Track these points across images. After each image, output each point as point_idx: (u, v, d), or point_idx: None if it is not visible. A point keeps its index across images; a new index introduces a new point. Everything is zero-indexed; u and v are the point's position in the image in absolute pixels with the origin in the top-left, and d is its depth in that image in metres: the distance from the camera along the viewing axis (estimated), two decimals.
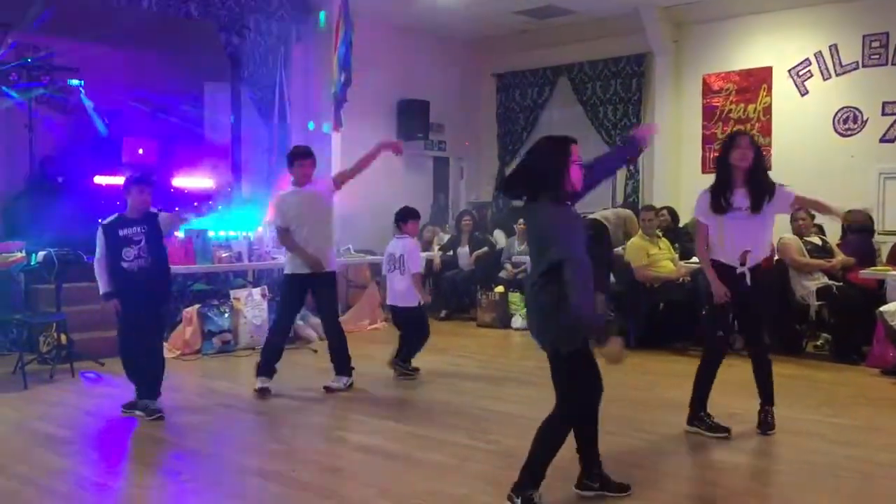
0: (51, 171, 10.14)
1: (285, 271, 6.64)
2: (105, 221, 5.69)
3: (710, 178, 5.14)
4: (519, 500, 3.72)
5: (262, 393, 6.26)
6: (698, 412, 5.13)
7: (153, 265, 5.67)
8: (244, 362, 7.61)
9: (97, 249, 5.67)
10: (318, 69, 10.56)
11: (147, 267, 5.62)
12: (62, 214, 8.70)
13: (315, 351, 8.21)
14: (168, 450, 5.04)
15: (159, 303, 5.89)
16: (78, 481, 4.43)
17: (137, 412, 5.63)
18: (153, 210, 5.78)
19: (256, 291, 8.50)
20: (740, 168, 4.88)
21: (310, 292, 6.67)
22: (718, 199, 4.93)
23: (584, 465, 4.02)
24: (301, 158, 6.45)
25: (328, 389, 6.38)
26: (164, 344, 8.03)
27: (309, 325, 8.90)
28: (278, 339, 6.55)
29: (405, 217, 7.13)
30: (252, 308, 8.34)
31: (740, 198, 4.89)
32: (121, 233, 5.61)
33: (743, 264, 4.94)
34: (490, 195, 12.77)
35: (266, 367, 6.40)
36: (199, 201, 9.80)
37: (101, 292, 5.70)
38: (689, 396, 5.19)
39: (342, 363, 6.51)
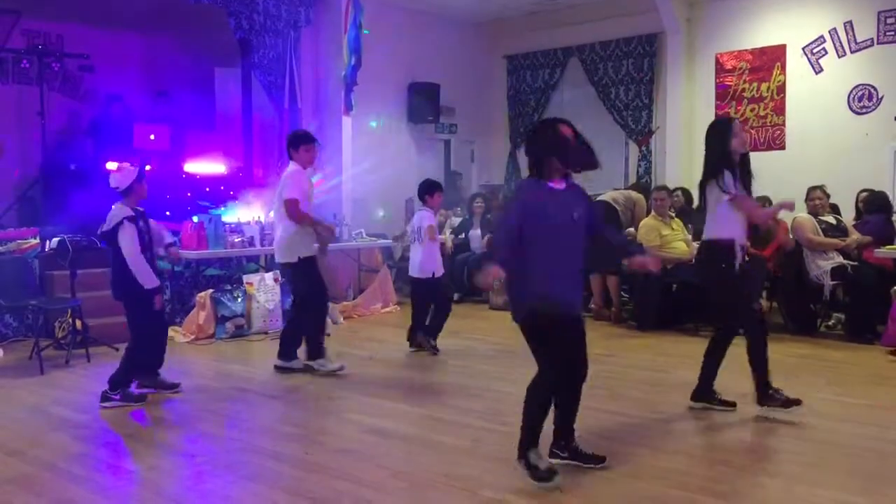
0: (63, 158, 10.18)
1: (304, 255, 6.41)
2: (130, 214, 5.51)
3: None
4: (522, 461, 3.97)
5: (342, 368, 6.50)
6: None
7: (151, 259, 5.70)
8: (257, 346, 7.64)
9: (131, 244, 5.44)
10: (329, 53, 10.54)
11: (150, 259, 5.65)
12: (75, 201, 8.74)
13: (328, 335, 8.23)
14: (182, 432, 5.08)
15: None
16: (94, 464, 4.48)
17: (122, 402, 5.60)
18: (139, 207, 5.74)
19: (269, 276, 8.51)
20: (738, 153, 4.99)
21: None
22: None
23: (557, 434, 4.22)
24: (310, 142, 6.49)
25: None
26: (178, 328, 8.16)
27: None
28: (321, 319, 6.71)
29: (428, 189, 7.29)
30: (265, 293, 8.35)
31: (736, 181, 4.98)
32: (139, 224, 5.60)
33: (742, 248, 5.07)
34: (502, 177, 12.74)
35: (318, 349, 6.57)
36: (209, 187, 9.85)
37: (150, 286, 5.50)
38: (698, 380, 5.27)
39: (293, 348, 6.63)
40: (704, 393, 5.23)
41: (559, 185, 3.99)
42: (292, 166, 6.42)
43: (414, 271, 7.29)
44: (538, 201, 3.92)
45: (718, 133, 5.07)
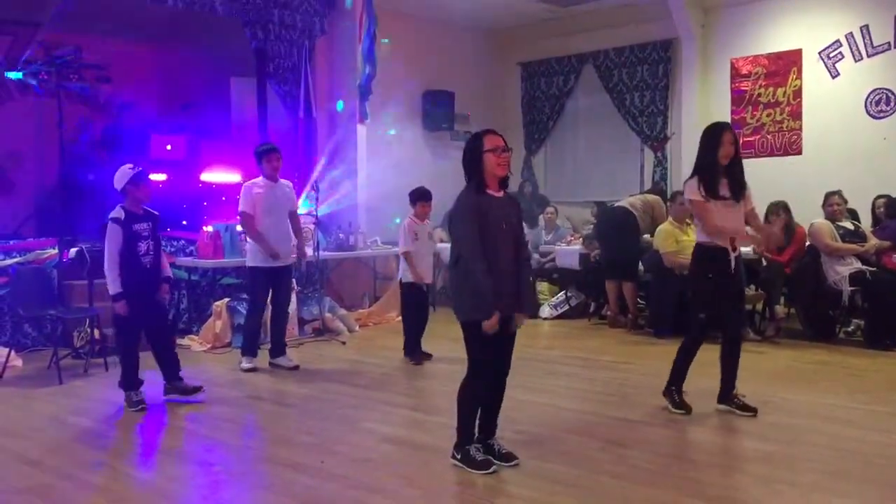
0: (81, 169, 10.26)
1: (252, 264, 6.99)
2: (117, 216, 5.62)
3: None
4: (459, 455, 4.27)
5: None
6: (671, 387, 5.42)
7: (154, 264, 5.77)
8: None
9: (110, 246, 5.56)
10: (343, 62, 10.58)
11: (153, 264, 5.75)
12: (93, 211, 8.79)
13: (343, 343, 8.25)
14: (199, 441, 5.10)
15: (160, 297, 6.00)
16: (111, 473, 4.51)
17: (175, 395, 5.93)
18: (153, 211, 5.87)
19: None
20: (723, 163, 5.14)
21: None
22: (710, 187, 5.13)
23: (479, 431, 4.36)
24: (271, 154, 6.94)
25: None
26: (195, 337, 8.19)
27: (338, 317, 8.94)
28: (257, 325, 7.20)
29: (411, 199, 7.52)
30: None
31: (723, 188, 5.14)
32: (134, 227, 5.67)
33: (734, 250, 5.17)
34: (517, 184, 12.70)
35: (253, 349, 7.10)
36: (226, 196, 9.89)
37: (112, 293, 5.59)
38: (718, 384, 5.34)
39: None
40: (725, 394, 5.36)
41: (497, 193, 4.26)
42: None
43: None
44: (483, 207, 4.18)
45: (707, 138, 5.20)
